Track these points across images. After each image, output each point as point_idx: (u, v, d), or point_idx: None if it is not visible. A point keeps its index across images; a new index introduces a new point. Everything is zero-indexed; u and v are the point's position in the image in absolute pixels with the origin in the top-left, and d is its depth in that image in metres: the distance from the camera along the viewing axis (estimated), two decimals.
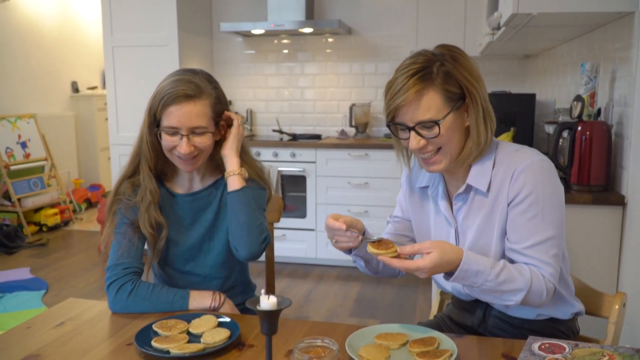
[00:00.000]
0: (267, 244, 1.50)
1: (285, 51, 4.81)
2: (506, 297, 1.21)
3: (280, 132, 4.63)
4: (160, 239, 1.50)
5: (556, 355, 1.07)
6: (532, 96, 3.19)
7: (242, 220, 1.47)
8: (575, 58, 2.74)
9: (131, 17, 4.33)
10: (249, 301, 0.96)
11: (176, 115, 1.41)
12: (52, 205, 5.38)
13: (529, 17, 2.06)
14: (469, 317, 1.44)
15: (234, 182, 1.49)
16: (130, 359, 1.15)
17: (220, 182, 1.58)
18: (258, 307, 0.95)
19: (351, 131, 4.67)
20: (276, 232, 4.16)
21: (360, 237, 1.29)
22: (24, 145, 5.29)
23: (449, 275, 1.20)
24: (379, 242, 1.22)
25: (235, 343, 1.20)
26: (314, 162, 4.19)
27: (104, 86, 6.38)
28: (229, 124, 1.54)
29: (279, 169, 4.22)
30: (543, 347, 1.11)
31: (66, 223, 5.47)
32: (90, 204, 6.11)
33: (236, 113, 4.81)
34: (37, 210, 5.24)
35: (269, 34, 4.71)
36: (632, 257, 1.94)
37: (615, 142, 2.14)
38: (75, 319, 1.36)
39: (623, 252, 2.03)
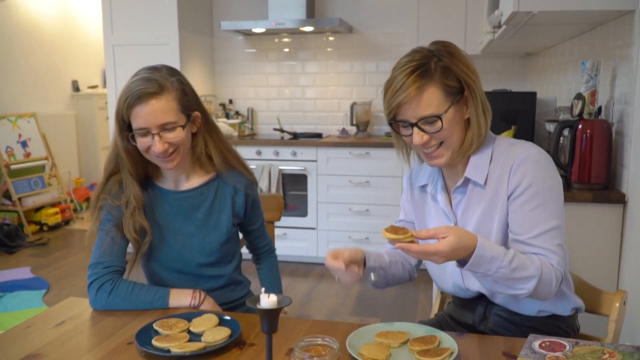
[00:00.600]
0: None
1: (286, 50, 4.81)
2: (519, 285, 1.18)
3: (281, 130, 4.63)
4: (144, 243, 1.49)
5: (557, 353, 1.07)
6: (532, 94, 3.19)
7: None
8: (576, 56, 2.74)
9: (132, 15, 4.33)
10: (249, 300, 0.96)
11: (142, 116, 1.39)
12: (53, 205, 5.39)
13: (529, 15, 2.06)
14: (470, 315, 1.44)
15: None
16: (130, 358, 1.15)
17: (213, 183, 1.57)
18: (258, 306, 0.95)
19: (352, 130, 4.67)
20: (277, 231, 4.16)
21: (361, 272, 1.30)
22: (24, 144, 5.29)
23: (461, 264, 1.18)
24: (394, 229, 1.17)
25: (236, 342, 1.20)
26: (314, 161, 4.19)
27: (104, 85, 6.38)
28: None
29: (280, 167, 4.22)
30: (544, 345, 1.11)
31: (67, 222, 5.47)
32: None
33: (237, 112, 4.82)
34: (38, 209, 5.25)
35: (270, 33, 4.71)
36: (633, 255, 1.94)
37: (615, 140, 2.14)
38: (76, 318, 1.36)
39: (623, 250, 2.03)
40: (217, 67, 4.94)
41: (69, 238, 5.09)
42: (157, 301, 1.41)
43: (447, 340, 1.18)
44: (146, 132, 1.40)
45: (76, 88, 6.30)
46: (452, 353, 1.11)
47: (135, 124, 1.40)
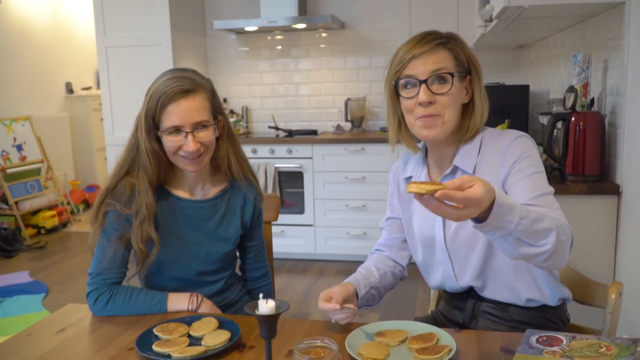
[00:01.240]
0: None
1: (279, 47, 4.80)
2: (541, 241, 1.07)
3: (276, 128, 4.63)
4: (151, 254, 1.45)
5: (554, 348, 1.08)
6: (525, 87, 3.20)
7: None
8: (568, 48, 2.75)
9: (123, 17, 4.32)
10: (247, 306, 0.97)
11: (177, 113, 1.37)
12: (50, 208, 5.38)
13: (520, 9, 2.06)
14: (459, 314, 1.45)
15: None
16: None
17: (226, 194, 1.56)
18: (257, 312, 0.95)
19: (347, 126, 4.67)
20: (274, 229, 4.17)
21: (356, 307, 1.30)
22: (19, 148, 5.28)
23: (479, 221, 1.02)
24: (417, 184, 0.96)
25: (236, 345, 1.21)
26: (310, 158, 4.20)
27: (98, 86, 6.36)
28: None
29: (276, 165, 4.22)
30: (541, 339, 1.12)
31: (64, 225, 5.47)
32: (88, 205, 6.10)
33: (231, 111, 4.81)
34: (35, 212, 5.24)
35: (262, 31, 4.70)
36: (628, 246, 1.95)
37: (609, 131, 2.15)
38: (76, 325, 1.37)
39: (619, 241, 2.05)
40: (211, 67, 4.93)
41: (67, 241, 5.09)
42: (155, 306, 1.41)
43: (445, 337, 1.19)
44: (179, 130, 1.39)
45: (70, 90, 6.29)
46: (450, 350, 1.12)
47: (167, 122, 1.38)
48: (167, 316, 1.40)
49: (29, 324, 1.42)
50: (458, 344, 1.16)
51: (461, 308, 1.45)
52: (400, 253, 1.55)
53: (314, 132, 4.54)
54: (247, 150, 4.23)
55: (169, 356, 1.15)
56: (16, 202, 5.05)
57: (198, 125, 1.40)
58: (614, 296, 1.40)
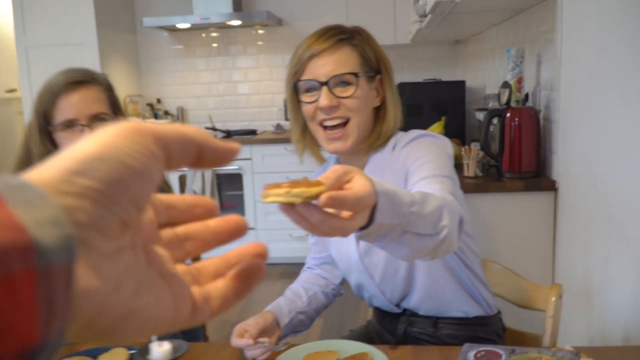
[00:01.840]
0: None
1: (215, 45, 4.64)
2: (438, 223, 0.80)
3: (214, 129, 4.47)
4: None
5: None
6: (462, 83, 3.17)
7: None
8: (502, 43, 2.73)
9: (45, 14, 4.05)
10: (138, 352, 0.84)
11: (70, 105, 1.26)
12: None
13: (453, 3, 2.01)
14: (391, 338, 1.35)
15: None
16: None
17: None
18: (148, 358, 0.83)
19: (287, 125, 4.56)
20: None
21: (275, 339, 1.19)
22: None
23: (363, 229, 0.70)
24: (276, 186, 0.58)
25: None
26: (249, 159, 4.07)
27: None
28: None
29: (214, 168, 4.06)
30: (479, 355, 1.05)
31: None
32: None
33: (166, 112, 4.61)
34: None
35: (196, 28, 4.52)
36: (566, 243, 1.93)
37: (544, 126, 2.13)
38: None
39: (557, 238, 2.03)
40: (143, 66, 4.71)
41: None
42: None
43: (378, 356, 1.10)
44: (73, 123, 1.26)
45: None
46: None
47: (61, 116, 1.26)
48: (74, 348, 1.25)
49: None
50: None
51: (392, 332, 1.35)
52: (332, 272, 1.41)
53: (253, 132, 4.41)
54: None
55: None
56: None
57: (95, 118, 1.28)
58: (554, 299, 1.35)
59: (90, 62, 3.99)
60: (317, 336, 2.96)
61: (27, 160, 1.33)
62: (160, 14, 4.52)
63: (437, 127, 2.53)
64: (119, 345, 1.20)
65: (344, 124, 1.15)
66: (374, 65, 1.17)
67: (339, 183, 0.62)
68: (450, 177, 1.05)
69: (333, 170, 0.62)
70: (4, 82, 6.13)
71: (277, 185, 0.56)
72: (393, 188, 0.72)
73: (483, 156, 2.21)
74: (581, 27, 1.72)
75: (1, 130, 5.95)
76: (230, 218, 0.36)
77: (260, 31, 4.57)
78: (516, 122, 2.07)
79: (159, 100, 4.71)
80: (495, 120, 2.18)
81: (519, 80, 2.11)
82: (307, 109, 1.16)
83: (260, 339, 1.13)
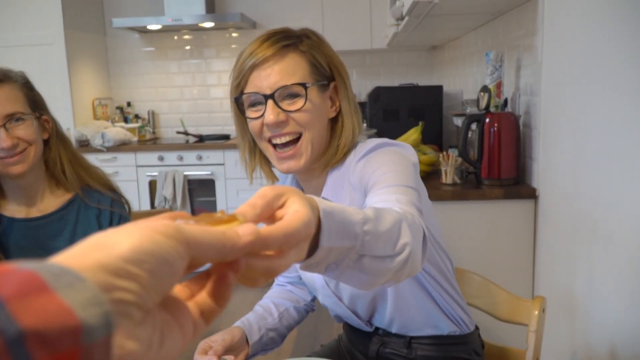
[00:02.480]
0: None
1: (188, 47, 4.53)
2: (398, 241, 0.69)
3: (186, 133, 4.35)
4: None
5: None
6: (439, 88, 3.12)
7: None
8: (480, 47, 2.69)
9: (10, 13, 3.89)
10: None
11: None
12: None
13: (430, 4, 1.94)
14: (363, 358, 1.25)
15: None
16: None
17: (74, 204, 1.34)
18: None
19: None
20: None
21: (243, 357, 1.11)
22: None
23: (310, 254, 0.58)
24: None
25: None
26: (222, 164, 3.96)
27: None
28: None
29: (185, 173, 3.95)
30: None
31: None
32: None
33: (136, 116, 4.47)
34: None
35: (168, 30, 4.41)
36: (546, 252, 1.87)
37: (523, 132, 2.07)
38: None
39: (537, 247, 1.97)
40: (112, 68, 4.57)
41: None
42: None
43: None
44: None
45: None
46: None
47: None
48: None
49: None
50: None
51: (364, 352, 1.26)
52: (303, 289, 1.32)
53: (226, 137, 4.30)
54: (152, 157, 3.94)
55: None
56: None
57: (11, 118, 1.20)
58: (537, 312, 1.28)
59: (58, 63, 3.86)
60: (289, 348, 2.86)
61: None
62: (131, 15, 4.40)
63: (414, 133, 2.46)
64: None
65: (296, 140, 1.03)
66: (326, 72, 1.05)
67: (269, 211, 0.49)
68: (413, 188, 0.92)
69: (261, 194, 0.49)
70: None
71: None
72: (340, 206, 0.61)
73: (461, 163, 2.14)
74: (562, 31, 1.67)
75: None
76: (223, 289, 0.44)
77: (234, 34, 4.48)
78: (495, 128, 2.01)
79: (129, 104, 4.57)
80: (474, 126, 2.12)
81: (498, 85, 2.06)
82: (253, 125, 1.04)
83: (225, 357, 1.05)
